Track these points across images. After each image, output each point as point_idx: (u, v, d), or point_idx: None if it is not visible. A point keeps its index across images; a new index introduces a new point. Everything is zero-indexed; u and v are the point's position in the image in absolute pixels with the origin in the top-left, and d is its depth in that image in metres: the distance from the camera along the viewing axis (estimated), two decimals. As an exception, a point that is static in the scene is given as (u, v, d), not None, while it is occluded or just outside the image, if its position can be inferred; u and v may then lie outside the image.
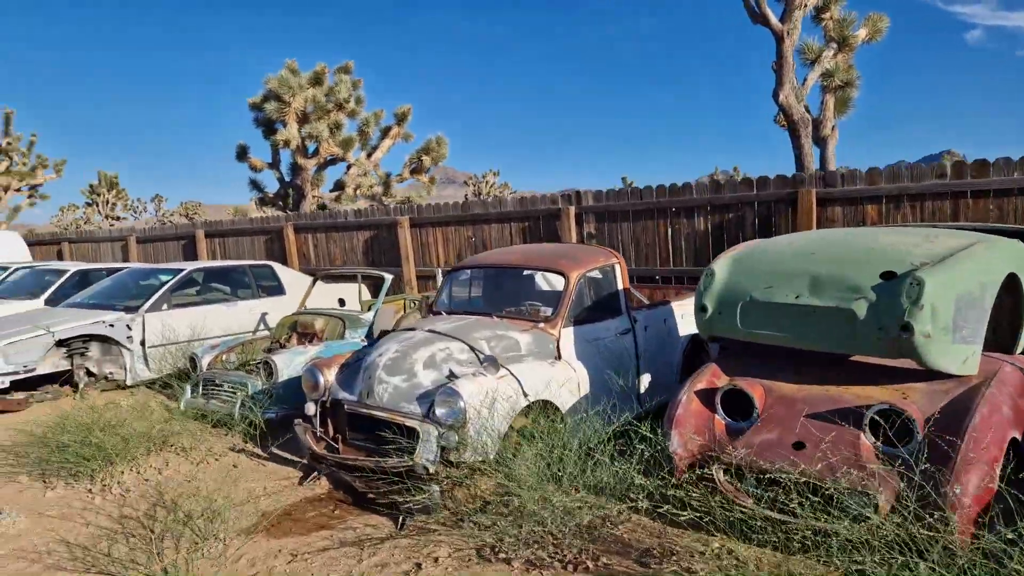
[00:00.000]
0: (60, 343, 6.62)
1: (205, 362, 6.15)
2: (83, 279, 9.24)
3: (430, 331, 4.54)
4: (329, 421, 4.52)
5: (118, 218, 36.20)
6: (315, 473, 4.48)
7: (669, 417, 3.72)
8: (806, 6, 8.95)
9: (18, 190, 23.14)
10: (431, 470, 3.75)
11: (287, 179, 16.95)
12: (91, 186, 35.77)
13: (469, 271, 5.61)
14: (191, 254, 12.84)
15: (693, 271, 7.13)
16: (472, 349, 4.35)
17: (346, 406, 4.37)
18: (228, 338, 6.70)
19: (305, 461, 4.59)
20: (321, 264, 10.61)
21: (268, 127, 16.77)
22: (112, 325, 6.84)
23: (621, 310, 5.03)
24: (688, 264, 7.27)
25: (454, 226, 9.21)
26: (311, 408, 4.58)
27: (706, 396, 3.77)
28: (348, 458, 4.16)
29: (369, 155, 16.94)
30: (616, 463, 3.58)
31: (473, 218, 8.98)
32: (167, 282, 7.47)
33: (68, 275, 8.93)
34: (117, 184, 35.89)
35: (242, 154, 16.73)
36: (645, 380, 5.10)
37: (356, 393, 4.32)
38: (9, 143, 22.38)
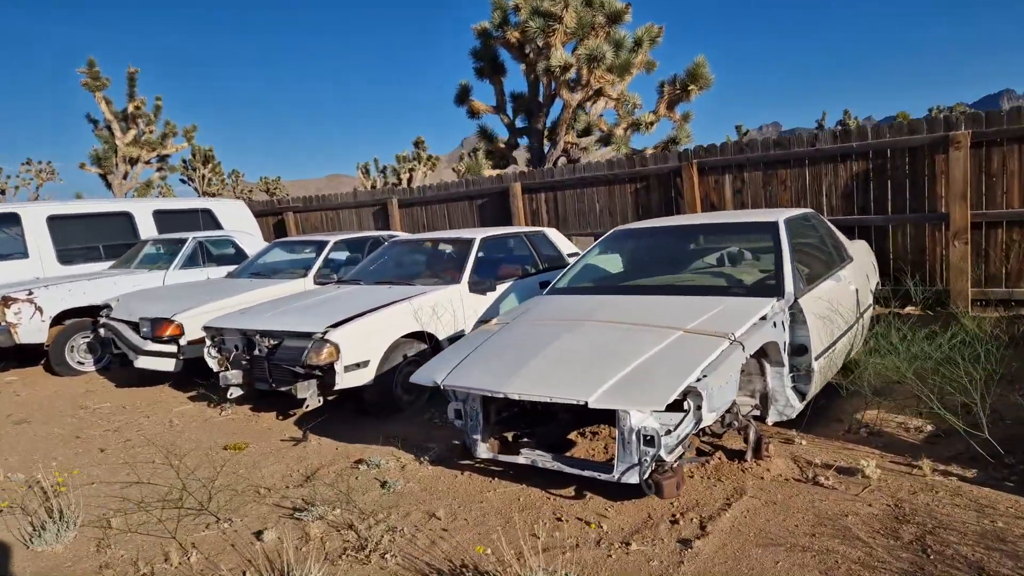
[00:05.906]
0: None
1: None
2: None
3: None
4: None
5: (215, 194, 33.45)
6: None
7: None
8: None
9: (147, 162, 20.28)
10: None
11: (517, 125, 13.73)
12: (184, 161, 32.96)
13: None
14: (499, 215, 9.65)
15: None
16: None
17: None
18: None
19: None
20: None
21: (490, 62, 13.52)
22: (774, 324, 3.70)
23: None
24: None
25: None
26: None
27: None
28: None
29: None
30: None
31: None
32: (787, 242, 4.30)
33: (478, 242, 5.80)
34: (212, 158, 33.04)
35: (463, 95, 13.50)
36: None
37: None
38: (136, 107, 19.42)
